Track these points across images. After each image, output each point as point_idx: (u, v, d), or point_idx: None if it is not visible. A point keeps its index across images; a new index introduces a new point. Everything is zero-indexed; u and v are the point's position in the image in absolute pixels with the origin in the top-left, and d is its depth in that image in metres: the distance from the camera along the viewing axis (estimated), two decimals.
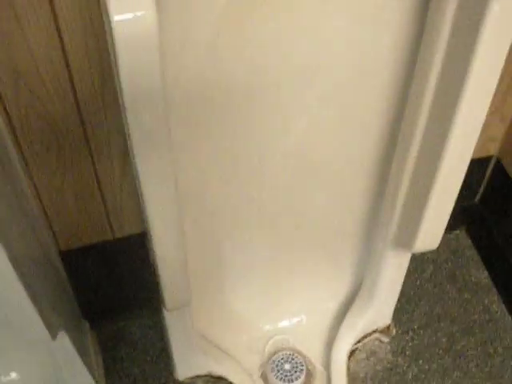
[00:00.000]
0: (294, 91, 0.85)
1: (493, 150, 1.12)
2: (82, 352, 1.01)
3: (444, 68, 0.75)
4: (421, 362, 1.13)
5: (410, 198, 0.89)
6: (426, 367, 1.13)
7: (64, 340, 0.90)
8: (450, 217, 1.24)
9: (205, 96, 0.81)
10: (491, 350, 1.14)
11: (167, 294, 0.80)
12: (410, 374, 1.12)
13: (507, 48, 0.70)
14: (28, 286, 0.77)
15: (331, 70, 0.84)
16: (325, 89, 0.86)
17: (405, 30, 0.78)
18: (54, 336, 0.83)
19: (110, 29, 0.54)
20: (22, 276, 0.75)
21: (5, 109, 0.78)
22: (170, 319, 0.98)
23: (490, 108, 1.04)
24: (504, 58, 0.69)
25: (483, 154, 1.13)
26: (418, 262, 1.25)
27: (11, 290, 0.75)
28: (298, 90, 0.85)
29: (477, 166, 1.15)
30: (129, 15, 0.53)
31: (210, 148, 0.89)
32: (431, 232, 0.88)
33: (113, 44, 0.54)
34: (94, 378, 1.06)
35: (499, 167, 1.14)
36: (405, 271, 1.03)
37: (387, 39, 0.80)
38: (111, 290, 1.12)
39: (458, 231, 1.29)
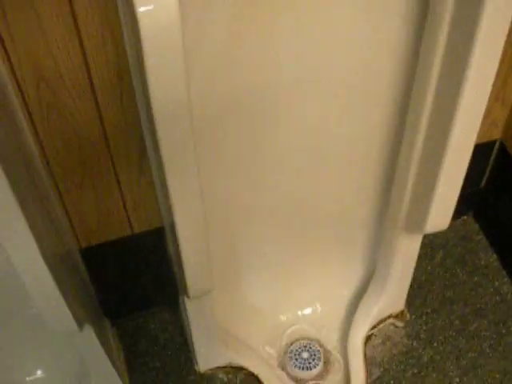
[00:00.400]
0: (306, 87, 0.89)
1: (496, 134, 1.15)
2: (105, 348, 1.03)
3: (446, 56, 0.78)
4: (435, 344, 1.16)
5: (420, 181, 0.92)
6: (441, 349, 1.15)
7: (89, 333, 0.93)
8: (457, 203, 1.27)
9: (219, 95, 0.84)
10: (504, 330, 1.17)
11: (190, 281, 0.83)
12: (426, 357, 1.14)
13: (506, 32, 0.73)
14: (58, 282, 0.80)
15: (340, 62, 0.87)
16: (334, 82, 0.89)
17: (408, 20, 0.81)
18: (80, 327, 0.85)
19: (135, 20, 0.57)
20: (51, 270, 0.78)
21: (27, 109, 0.81)
22: (191, 312, 1.00)
23: (491, 93, 1.08)
24: (503, 41, 0.72)
25: (487, 139, 1.16)
26: (428, 249, 1.27)
27: (43, 282, 0.78)
28: (309, 86, 0.89)
29: (481, 150, 1.18)
30: (152, 6, 0.56)
31: (224, 145, 0.93)
32: (441, 212, 0.91)
33: (137, 35, 0.57)
34: (117, 373, 1.08)
35: (503, 151, 1.17)
36: (417, 254, 1.05)
37: (391, 29, 0.83)
38: (131, 286, 1.14)
39: (465, 217, 1.32)
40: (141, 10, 0.56)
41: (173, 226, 0.78)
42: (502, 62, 1.01)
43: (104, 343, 1.05)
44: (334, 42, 0.84)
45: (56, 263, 0.84)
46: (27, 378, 1.13)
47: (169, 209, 0.76)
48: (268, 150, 0.96)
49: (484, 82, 0.75)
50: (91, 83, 0.81)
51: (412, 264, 1.08)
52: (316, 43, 0.83)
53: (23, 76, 0.78)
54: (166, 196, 0.75)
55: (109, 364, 1.02)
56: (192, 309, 0.99)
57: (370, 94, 0.92)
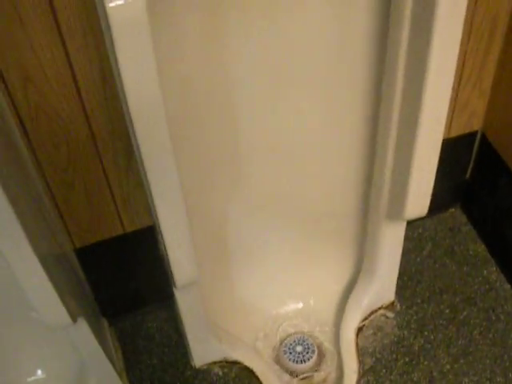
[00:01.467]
0: (281, 83, 0.93)
1: (476, 125, 1.18)
2: (103, 347, 1.06)
3: (410, 51, 0.82)
4: (426, 333, 1.18)
5: (396, 171, 0.95)
6: (432, 338, 1.17)
7: (84, 327, 0.95)
8: (445, 195, 1.30)
9: (196, 93, 0.88)
10: (493, 317, 1.19)
11: (175, 269, 0.86)
12: (417, 346, 1.16)
13: (461, 24, 0.76)
14: (50, 275, 0.83)
15: (315, 59, 0.91)
16: (309, 78, 0.93)
17: (373, 13, 0.85)
18: (73, 319, 0.88)
19: (106, 16, 0.61)
20: (45, 267, 0.81)
21: (16, 110, 0.85)
22: (182, 306, 1.03)
23: (468, 84, 1.11)
24: (460, 31, 0.75)
25: (468, 130, 1.18)
26: (417, 241, 1.30)
27: (36, 278, 0.81)
28: (285, 82, 0.93)
29: (463, 142, 1.21)
30: (121, 1, 0.60)
31: (206, 142, 0.96)
32: (418, 199, 0.94)
33: (108, 29, 0.61)
34: (115, 370, 1.11)
35: (485, 141, 1.19)
36: (401, 242, 1.08)
37: (358, 24, 0.87)
38: (126, 285, 1.18)
39: (453, 209, 1.34)
40: (110, 5, 0.60)
41: (156, 216, 0.81)
42: (476, 53, 1.05)
43: (102, 342, 1.08)
44: (306, 36, 0.88)
45: (50, 260, 0.88)
46: (28, 379, 1.15)
47: (150, 198, 0.79)
48: (250, 146, 1.00)
49: (445, 67, 0.78)
50: (76, 84, 0.85)
51: (398, 253, 1.11)
52: (289, 40, 0.88)
53: (11, 79, 0.82)
54: (147, 187, 0.78)
55: (105, 358, 1.05)
56: (183, 302, 1.01)
57: (344, 87, 0.95)
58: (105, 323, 1.21)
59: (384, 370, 1.14)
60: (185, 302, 1.02)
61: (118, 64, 0.63)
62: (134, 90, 0.65)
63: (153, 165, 0.75)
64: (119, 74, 0.65)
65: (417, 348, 1.16)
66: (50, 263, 0.87)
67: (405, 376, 1.13)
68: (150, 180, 0.77)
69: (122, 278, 1.16)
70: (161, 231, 0.83)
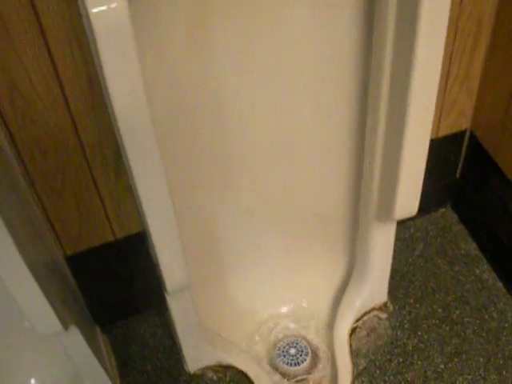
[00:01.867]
0: (271, 86, 0.93)
1: (465, 124, 1.18)
2: (96, 354, 1.06)
3: (396, 44, 0.82)
4: (419, 333, 1.18)
5: (385, 172, 0.95)
6: (425, 337, 1.17)
7: (76, 333, 0.95)
8: (435, 195, 1.30)
9: (183, 95, 0.88)
10: (486, 316, 1.19)
11: (166, 275, 0.86)
12: (410, 346, 1.16)
13: (445, 24, 0.76)
14: (40, 283, 0.83)
15: (300, 60, 0.91)
16: (296, 78, 0.93)
17: (360, 14, 0.86)
18: (65, 326, 0.88)
19: (89, 22, 0.61)
20: (36, 275, 0.81)
21: (2, 118, 0.85)
22: (174, 311, 1.03)
23: (455, 83, 1.11)
24: (445, 30, 0.76)
25: (456, 130, 1.19)
26: (409, 241, 1.30)
27: (27, 286, 0.81)
28: (275, 85, 0.93)
29: (452, 142, 1.21)
30: (103, 7, 0.60)
31: (198, 148, 0.97)
32: (408, 199, 0.94)
33: (92, 35, 0.61)
34: (109, 377, 1.11)
35: (474, 140, 1.20)
36: (392, 243, 1.08)
37: (346, 24, 0.87)
38: (118, 292, 1.17)
39: (443, 209, 1.34)
40: (93, 11, 0.60)
41: (145, 222, 0.81)
42: (462, 52, 1.05)
43: (95, 349, 1.07)
44: (293, 39, 0.88)
45: (40, 267, 0.87)
46: None
47: (139, 204, 0.79)
48: (240, 148, 1.00)
49: (431, 66, 0.78)
50: (63, 91, 0.85)
51: (389, 253, 1.11)
52: (276, 43, 0.88)
53: None
54: (136, 193, 0.78)
55: (98, 365, 1.04)
56: (175, 307, 1.01)
57: (332, 92, 0.96)
58: (97, 330, 1.20)
59: (378, 371, 1.14)
60: (177, 307, 1.01)
61: (102, 69, 0.63)
62: (119, 95, 0.65)
63: (140, 170, 0.75)
64: (104, 80, 0.65)
65: (410, 348, 1.16)
66: (41, 271, 0.87)
67: (399, 376, 1.13)
68: (138, 186, 0.77)
69: (113, 285, 1.15)
70: (151, 237, 0.83)
